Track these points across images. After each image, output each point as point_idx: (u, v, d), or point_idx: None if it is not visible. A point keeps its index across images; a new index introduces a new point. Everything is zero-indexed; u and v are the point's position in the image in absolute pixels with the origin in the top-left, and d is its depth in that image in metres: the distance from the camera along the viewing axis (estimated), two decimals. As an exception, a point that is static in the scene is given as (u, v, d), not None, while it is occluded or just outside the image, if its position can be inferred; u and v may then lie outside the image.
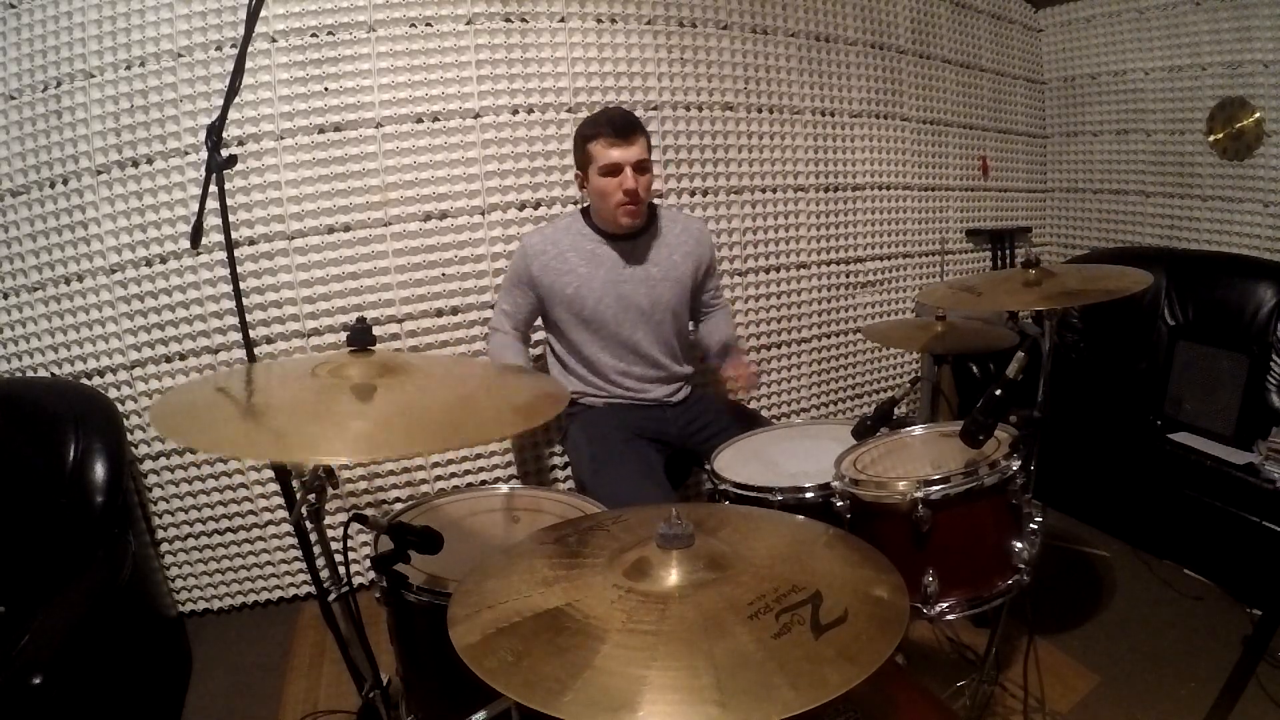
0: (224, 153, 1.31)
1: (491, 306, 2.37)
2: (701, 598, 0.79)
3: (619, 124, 1.84)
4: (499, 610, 0.82)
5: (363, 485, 2.35)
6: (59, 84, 2.04)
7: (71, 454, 1.85)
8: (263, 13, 1.74)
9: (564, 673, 0.69)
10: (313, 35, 2.14)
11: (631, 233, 1.95)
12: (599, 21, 2.40)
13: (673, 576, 0.82)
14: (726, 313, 2.25)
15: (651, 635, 0.73)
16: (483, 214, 2.33)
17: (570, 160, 2.38)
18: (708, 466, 1.63)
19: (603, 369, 2.01)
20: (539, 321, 2.10)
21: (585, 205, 2.00)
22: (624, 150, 1.82)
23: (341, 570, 1.16)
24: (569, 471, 2.47)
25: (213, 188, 1.33)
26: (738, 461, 1.66)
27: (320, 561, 1.19)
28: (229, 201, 1.39)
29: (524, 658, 0.72)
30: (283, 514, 2.26)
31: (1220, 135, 2.91)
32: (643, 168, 1.86)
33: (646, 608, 0.77)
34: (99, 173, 2.08)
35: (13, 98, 2.04)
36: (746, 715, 0.63)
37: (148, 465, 2.20)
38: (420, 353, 2.33)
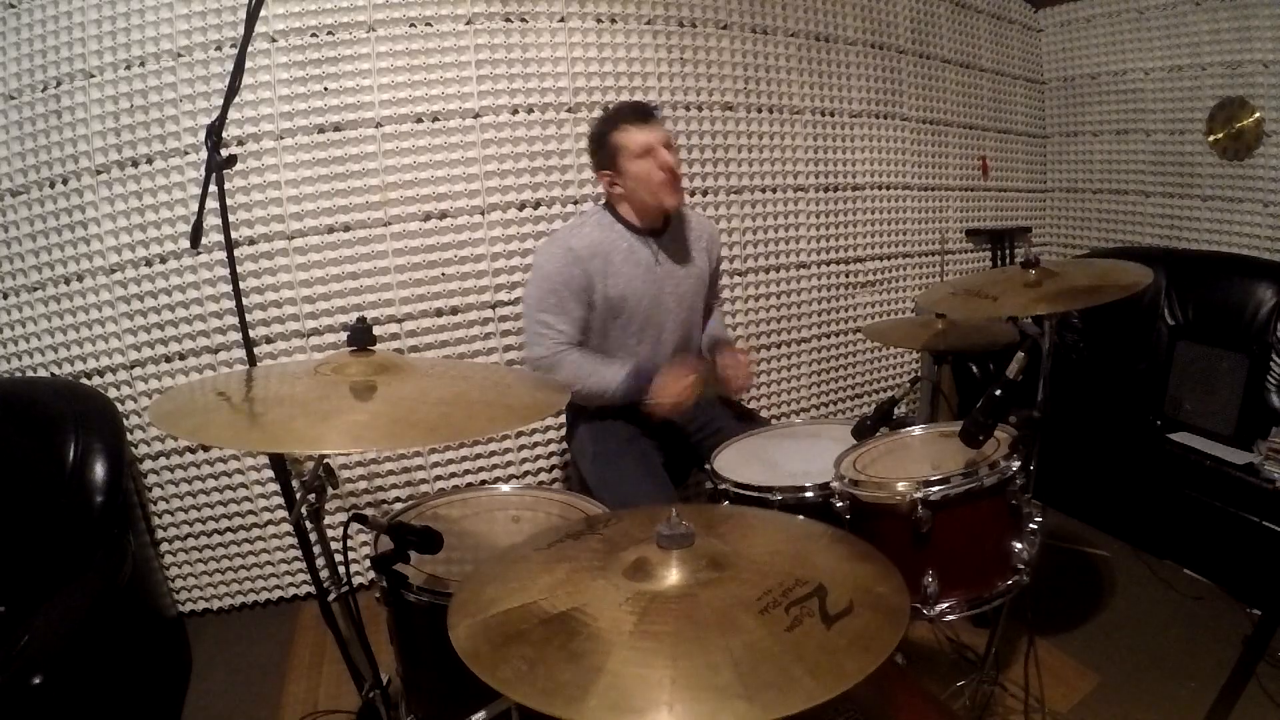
0: (224, 153, 1.31)
1: (491, 306, 2.37)
2: (708, 595, 0.79)
3: (639, 109, 1.84)
4: (503, 617, 0.81)
5: (363, 485, 2.35)
6: (59, 84, 2.03)
7: (71, 454, 1.85)
8: (263, 13, 1.74)
9: (581, 678, 0.68)
10: (313, 35, 2.14)
11: (658, 228, 1.90)
12: (599, 21, 2.40)
13: (674, 576, 0.82)
14: (720, 311, 2.24)
15: (664, 636, 0.72)
16: (483, 214, 2.33)
17: (570, 160, 2.40)
18: (708, 466, 1.63)
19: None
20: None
21: (606, 202, 1.93)
22: (651, 131, 1.80)
23: (341, 570, 1.16)
24: (569, 471, 2.47)
25: (212, 188, 1.34)
26: (738, 461, 1.65)
27: (320, 561, 1.19)
28: (229, 201, 1.40)
29: (537, 665, 0.71)
30: (283, 514, 2.26)
31: (1220, 135, 2.91)
32: (670, 146, 1.84)
33: (655, 609, 0.77)
34: (99, 173, 2.08)
35: (13, 98, 2.04)
36: (772, 707, 0.63)
37: (148, 465, 2.20)
38: (420, 353, 2.33)
